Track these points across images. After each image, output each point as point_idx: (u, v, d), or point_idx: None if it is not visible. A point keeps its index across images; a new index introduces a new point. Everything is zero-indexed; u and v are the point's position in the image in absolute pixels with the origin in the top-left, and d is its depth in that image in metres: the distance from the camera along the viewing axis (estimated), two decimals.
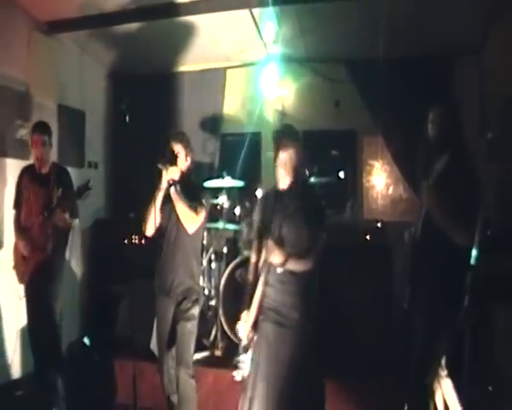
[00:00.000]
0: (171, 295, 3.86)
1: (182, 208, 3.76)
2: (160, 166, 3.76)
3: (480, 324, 3.55)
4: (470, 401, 3.54)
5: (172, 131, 4.17)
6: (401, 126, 5.74)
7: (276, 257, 3.08)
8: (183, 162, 3.94)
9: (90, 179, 4.23)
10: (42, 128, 4.43)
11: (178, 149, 3.90)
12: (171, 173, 3.80)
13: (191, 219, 3.79)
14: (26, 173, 4.48)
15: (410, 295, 3.43)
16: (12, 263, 4.46)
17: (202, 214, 3.86)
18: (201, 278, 4.19)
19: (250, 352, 3.24)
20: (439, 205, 3.09)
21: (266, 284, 3.16)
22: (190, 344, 3.86)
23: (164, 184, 3.78)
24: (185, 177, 3.94)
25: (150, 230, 3.89)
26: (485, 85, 5.61)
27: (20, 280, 4.39)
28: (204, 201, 3.92)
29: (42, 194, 4.31)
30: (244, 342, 3.28)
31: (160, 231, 3.93)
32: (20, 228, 4.40)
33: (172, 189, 3.78)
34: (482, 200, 2.91)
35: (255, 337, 3.24)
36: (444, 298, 3.13)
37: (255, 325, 3.24)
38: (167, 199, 3.83)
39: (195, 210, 3.78)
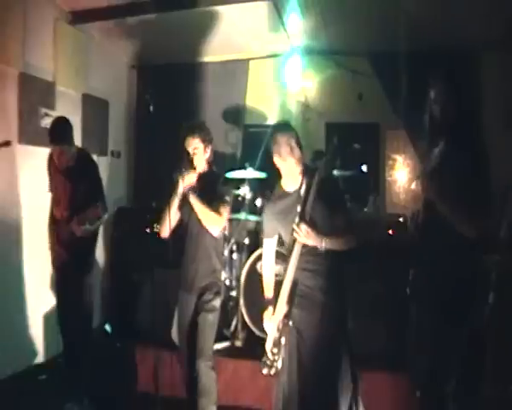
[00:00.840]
0: (192, 289, 3.83)
1: (204, 213, 3.64)
2: (175, 176, 3.63)
3: (503, 322, 3.53)
4: (491, 400, 3.53)
5: (186, 124, 3.91)
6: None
7: (312, 238, 3.04)
8: (202, 157, 3.81)
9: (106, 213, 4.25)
10: (57, 136, 4.17)
11: (196, 143, 3.76)
12: (187, 180, 3.67)
13: (215, 222, 3.67)
14: (52, 160, 4.36)
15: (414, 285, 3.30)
16: (39, 248, 4.53)
17: (226, 213, 3.76)
18: (223, 271, 4.15)
19: (279, 350, 3.18)
20: (437, 193, 2.92)
21: (298, 269, 3.10)
22: (211, 336, 3.82)
23: (180, 192, 3.66)
24: (206, 172, 3.86)
25: (165, 232, 3.77)
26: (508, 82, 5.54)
27: (53, 264, 4.39)
28: (227, 197, 3.81)
29: (67, 187, 4.22)
30: (272, 340, 3.22)
31: (182, 225, 3.88)
32: (52, 215, 4.37)
33: (191, 195, 3.65)
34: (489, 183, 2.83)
35: (283, 338, 3.18)
36: (448, 291, 2.97)
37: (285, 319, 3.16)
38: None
39: (218, 211, 3.67)
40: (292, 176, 3.21)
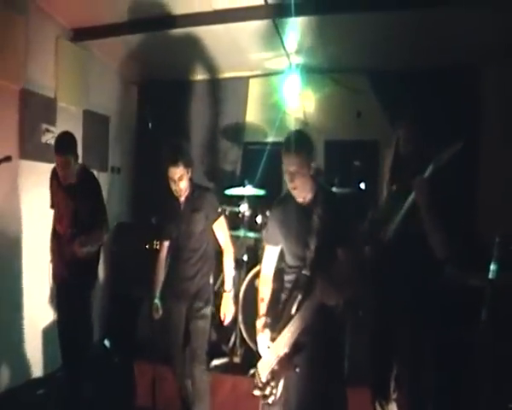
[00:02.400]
0: (182, 296, 4.02)
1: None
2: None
3: (498, 339, 3.54)
4: None
5: (165, 148, 4.11)
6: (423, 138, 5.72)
7: (332, 298, 2.99)
8: (187, 180, 4.02)
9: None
10: (62, 148, 4.15)
11: (180, 172, 3.94)
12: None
13: (232, 256, 4.19)
14: (55, 177, 4.37)
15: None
16: (39, 262, 4.54)
17: (226, 230, 4.21)
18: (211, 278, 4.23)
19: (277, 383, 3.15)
20: (431, 201, 3.00)
21: (303, 319, 3.01)
22: (204, 340, 3.97)
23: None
24: (190, 191, 4.10)
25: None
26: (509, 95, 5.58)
27: (54, 279, 4.38)
28: (219, 209, 4.18)
29: (69, 204, 4.23)
30: (268, 370, 3.17)
31: (171, 242, 4.16)
32: (55, 231, 4.37)
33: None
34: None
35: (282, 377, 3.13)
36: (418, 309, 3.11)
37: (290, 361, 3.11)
38: (175, 214, 4.07)
39: (225, 245, 4.17)
40: (301, 190, 3.15)
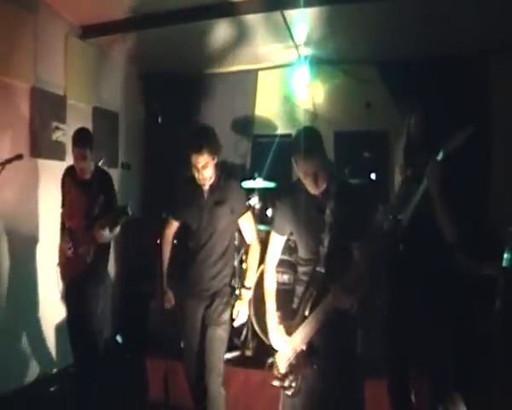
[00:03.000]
0: (201, 296, 3.73)
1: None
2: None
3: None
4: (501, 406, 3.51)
5: (192, 133, 3.73)
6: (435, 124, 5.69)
7: (345, 304, 2.95)
8: (212, 168, 3.63)
9: (129, 203, 4.15)
10: (82, 141, 4.24)
11: (204, 160, 3.54)
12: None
13: (259, 255, 3.84)
14: (68, 175, 4.43)
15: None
16: (52, 260, 4.53)
17: (253, 226, 3.88)
18: (232, 279, 4.05)
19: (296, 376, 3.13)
20: (443, 185, 2.99)
21: (318, 320, 2.99)
22: (221, 351, 3.72)
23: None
24: (216, 179, 3.72)
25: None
26: None
27: (63, 278, 4.41)
28: (245, 204, 3.92)
29: (84, 200, 4.26)
30: (286, 363, 3.16)
31: (190, 234, 3.80)
32: (65, 229, 4.40)
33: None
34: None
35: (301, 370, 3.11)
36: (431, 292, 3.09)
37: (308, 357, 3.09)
38: (197, 204, 3.71)
39: (254, 244, 3.87)
40: (313, 182, 3.04)
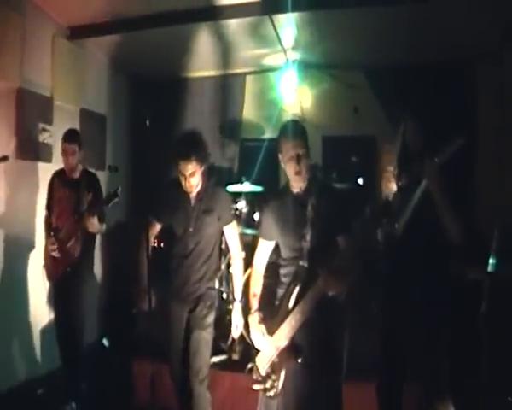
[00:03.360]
0: (186, 300, 3.74)
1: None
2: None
3: (498, 331, 3.55)
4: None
5: (178, 140, 3.72)
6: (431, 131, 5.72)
7: (335, 288, 2.97)
8: (199, 175, 3.60)
9: (119, 187, 4.19)
10: (72, 137, 4.45)
11: (192, 168, 3.51)
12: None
13: (242, 265, 3.95)
14: (57, 177, 4.56)
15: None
16: (38, 262, 4.56)
17: (236, 236, 3.89)
18: (218, 282, 4.11)
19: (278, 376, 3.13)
20: (446, 185, 2.99)
21: (303, 312, 3.00)
22: (207, 354, 3.72)
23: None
24: (203, 186, 3.72)
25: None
26: (504, 93, 5.58)
27: (49, 279, 4.51)
28: (231, 213, 3.93)
29: (72, 197, 4.39)
30: (268, 362, 3.17)
31: (175, 239, 3.81)
32: (51, 229, 4.47)
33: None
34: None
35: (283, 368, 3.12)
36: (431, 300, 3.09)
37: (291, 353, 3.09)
38: (183, 210, 3.70)
39: (236, 253, 3.94)
40: (304, 176, 3.13)
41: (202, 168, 3.61)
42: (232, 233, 3.87)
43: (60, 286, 4.45)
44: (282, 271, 3.27)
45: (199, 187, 3.69)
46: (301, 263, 3.09)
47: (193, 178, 3.56)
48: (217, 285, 4.08)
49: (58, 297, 4.51)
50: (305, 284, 3.03)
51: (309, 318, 3.00)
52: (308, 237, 3.07)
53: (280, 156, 3.19)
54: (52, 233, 4.42)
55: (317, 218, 3.06)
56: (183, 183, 3.59)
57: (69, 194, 4.42)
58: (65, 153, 4.40)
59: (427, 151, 3.05)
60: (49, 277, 4.49)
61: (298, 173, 3.10)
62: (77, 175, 4.50)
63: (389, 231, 3.25)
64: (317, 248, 3.07)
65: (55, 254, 4.36)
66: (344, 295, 3.05)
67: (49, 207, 4.57)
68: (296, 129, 3.20)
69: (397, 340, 3.24)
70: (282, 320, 3.08)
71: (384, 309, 3.44)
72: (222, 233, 3.93)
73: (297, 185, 3.17)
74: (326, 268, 2.93)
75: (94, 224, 4.27)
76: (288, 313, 3.06)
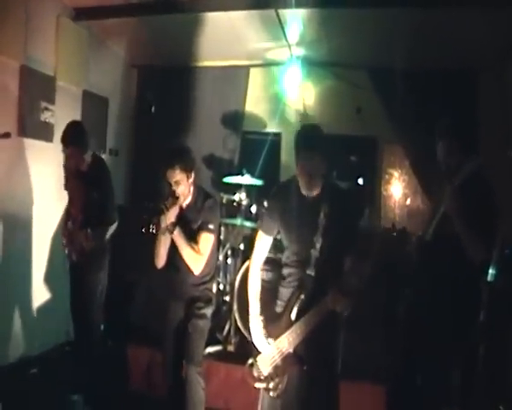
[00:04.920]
0: (183, 298, 3.75)
1: (184, 252, 3.58)
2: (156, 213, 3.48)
3: (496, 341, 3.56)
4: None
5: (166, 151, 3.69)
6: (420, 137, 5.75)
7: (342, 307, 2.96)
8: (185, 186, 3.59)
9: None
10: (70, 140, 4.17)
11: (176, 175, 3.52)
12: (170, 216, 3.53)
13: (194, 263, 3.60)
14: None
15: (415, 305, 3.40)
16: (37, 240, 4.56)
17: (207, 248, 3.64)
18: (214, 281, 4.04)
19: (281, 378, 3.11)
20: (461, 208, 3.01)
21: (309, 323, 3.00)
22: (201, 342, 3.73)
23: (163, 227, 3.53)
24: (192, 199, 3.71)
25: (159, 264, 3.73)
26: (507, 102, 5.61)
27: (68, 258, 4.35)
28: (211, 225, 3.65)
29: (80, 191, 4.20)
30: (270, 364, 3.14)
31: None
32: (68, 213, 4.37)
33: (174, 233, 3.54)
34: (498, 220, 2.90)
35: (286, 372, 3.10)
36: (450, 313, 3.10)
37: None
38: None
39: (199, 249, 3.58)
40: (307, 182, 3.03)
41: (190, 179, 3.61)
42: (205, 241, 3.67)
43: (74, 269, 4.32)
44: (286, 271, 3.23)
45: (189, 200, 3.70)
46: (308, 272, 3.04)
47: (179, 188, 3.54)
48: (214, 288, 4.01)
49: (73, 280, 4.37)
50: (310, 296, 3.02)
51: (314, 329, 3.00)
52: (318, 246, 3.01)
53: (295, 155, 3.05)
54: (66, 218, 4.34)
55: (328, 227, 2.99)
56: (168, 191, 3.57)
57: (78, 186, 4.23)
58: (66, 157, 4.21)
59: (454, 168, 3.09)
60: (68, 256, 4.34)
61: (307, 188, 3.05)
62: (85, 167, 4.26)
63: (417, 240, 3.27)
64: (326, 259, 3.03)
65: (64, 241, 4.29)
66: (349, 311, 3.03)
67: (67, 188, 4.40)
68: (313, 143, 3.02)
69: (414, 343, 3.27)
70: (287, 327, 3.07)
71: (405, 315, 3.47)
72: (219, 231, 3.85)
73: (308, 190, 3.07)
74: (336, 288, 2.92)
75: (88, 246, 4.13)
76: (292, 320, 3.05)
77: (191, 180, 3.64)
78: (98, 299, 4.31)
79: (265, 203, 3.45)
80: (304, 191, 3.07)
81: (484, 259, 2.87)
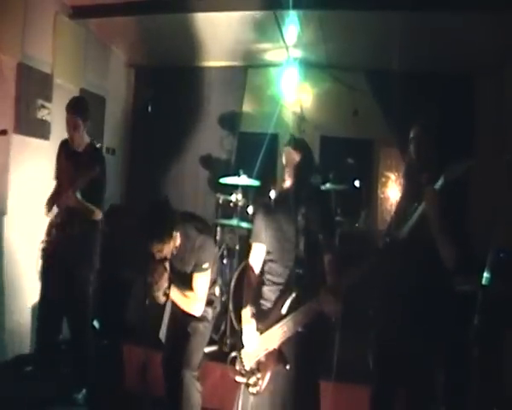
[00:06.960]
0: None
1: (184, 303, 3.50)
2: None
3: (490, 345, 3.57)
4: None
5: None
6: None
7: (332, 308, 2.95)
8: (170, 245, 3.34)
9: None
10: (75, 108, 4.28)
11: (159, 246, 3.25)
12: (161, 284, 3.36)
13: (194, 308, 3.51)
14: (63, 147, 4.41)
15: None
16: (31, 237, 4.51)
17: (205, 288, 3.53)
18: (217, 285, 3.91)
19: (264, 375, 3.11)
20: (442, 211, 2.99)
21: (297, 322, 3.01)
22: (200, 346, 3.70)
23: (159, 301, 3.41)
24: (181, 242, 3.46)
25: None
26: (502, 105, 5.64)
27: (46, 259, 4.30)
28: (205, 264, 3.49)
29: (75, 170, 4.17)
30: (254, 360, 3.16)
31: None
32: (51, 204, 4.31)
33: (171, 293, 3.40)
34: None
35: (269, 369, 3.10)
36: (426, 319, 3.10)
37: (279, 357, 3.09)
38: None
39: (196, 296, 3.49)
40: (290, 175, 3.21)
41: (174, 240, 3.38)
42: (202, 284, 3.55)
43: (55, 261, 4.24)
44: (268, 266, 3.25)
45: (176, 251, 3.48)
46: (297, 270, 3.06)
47: (164, 251, 3.32)
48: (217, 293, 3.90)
49: (53, 279, 4.28)
50: (300, 294, 3.02)
51: (301, 328, 3.01)
52: (301, 246, 3.06)
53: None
54: (49, 209, 4.29)
55: (307, 225, 3.08)
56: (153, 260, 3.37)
57: (71, 167, 4.22)
58: (67, 123, 4.25)
59: (430, 168, 3.08)
60: (47, 256, 4.29)
61: (289, 181, 3.21)
62: (81, 149, 4.31)
63: (391, 238, 3.23)
64: (310, 256, 3.08)
65: (51, 228, 4.25)
66: (338, 314, 3.07)
67: (57, 176, 4.41)
68: (302, 140, 3.37)
69: (391, 347, 3.24)
70: (273, 324, 3.08)
71: (380, 315, 3.45)
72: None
73: (288, 188, 3.23)
74: (327, 289, 2.94)
75: (73, 199, 4.07)
76: (281, 318, 3.05)
77: (177, 235, 3.39)
78: (89, 298, 4.34)
79: (255, 212, 3.47)
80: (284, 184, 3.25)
81: (458, 261, 2.92)
